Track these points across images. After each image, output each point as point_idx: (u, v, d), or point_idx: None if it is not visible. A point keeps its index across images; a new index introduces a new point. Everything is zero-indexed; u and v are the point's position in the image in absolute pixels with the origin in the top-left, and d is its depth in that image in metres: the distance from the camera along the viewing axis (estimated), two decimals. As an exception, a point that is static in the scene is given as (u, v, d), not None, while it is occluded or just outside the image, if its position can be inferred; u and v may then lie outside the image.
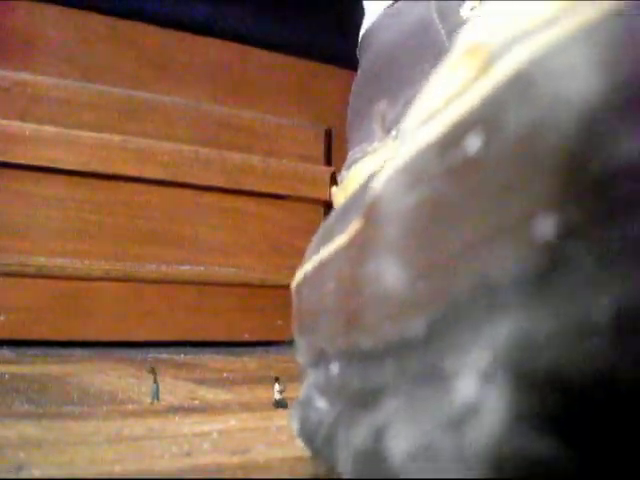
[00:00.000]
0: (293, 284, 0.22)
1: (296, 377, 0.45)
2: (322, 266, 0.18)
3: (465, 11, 0.23)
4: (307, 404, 0.17)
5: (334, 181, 0.89)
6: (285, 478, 0.18)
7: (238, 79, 0.88)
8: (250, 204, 0.85)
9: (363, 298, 0.14)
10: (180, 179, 0.79)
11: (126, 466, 0.18)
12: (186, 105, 0.82)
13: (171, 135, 0.81)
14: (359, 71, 0.28)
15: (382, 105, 0.23)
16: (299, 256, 0.82)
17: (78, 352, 0.64)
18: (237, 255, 0.84)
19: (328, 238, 0.18)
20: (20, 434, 0.23)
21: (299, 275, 0.21)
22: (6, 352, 0.62)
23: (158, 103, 0.81)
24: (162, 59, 0.83)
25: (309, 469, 0.19)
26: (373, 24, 0.27)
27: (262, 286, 0.85)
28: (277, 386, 0.32)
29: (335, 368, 0.16)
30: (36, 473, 0.17)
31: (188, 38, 0.85)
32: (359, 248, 0.14)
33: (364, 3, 0.31)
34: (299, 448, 0.22)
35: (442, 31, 0.23)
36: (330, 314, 0.16)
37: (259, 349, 0.76)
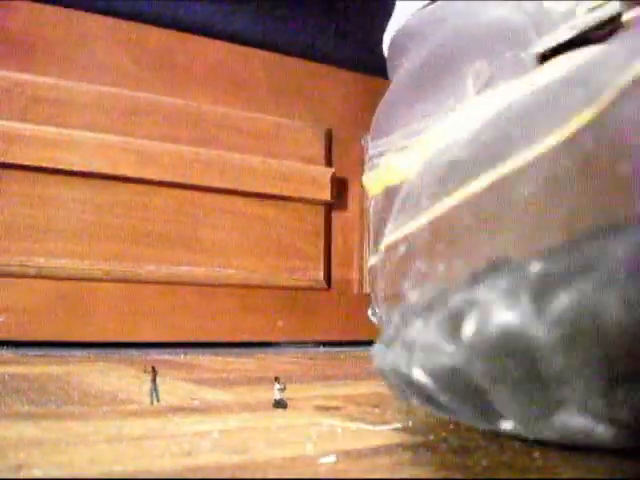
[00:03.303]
0: (424, 220, 0.20)
1: (296, 378, 0.45)
2: (509, 177, 0.17)
3: (550, 3, 0.24)
4: (481, 309, 0.16)
5: (334, 182, 0.89)
6: (285, 478, 0.18)
7: (238, 79, 0.88)
8: (250, 205, 0.85)
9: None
10: (180, 180, 0.80)
11: (126, 466, 0.18)
12: (186, 105, 0.82)
13: (171, 136, 0.81)
14: (420, 55, 0.27)
15: (477, 65, 0.24)
16: (299, 257, 0.82)
17: (78, 352, 0.64)
18: (237, 256, 0.84)
19: (497, 159, 0.17)
20: (20, 434, 0.23)
21: (443, 205, 0.19)
22: (6, 352, 0.62)
23: (158, 103, 0.81)
24: (162, 59, 0.83)
25: (309, 469, 0.19)
26: (430, 12, 0.28)
27: (262, 287, 0.85)
28: (277, 386, 0.32)
29: (534, 267, 0.15)
30: (36, 473, 0.17)
31: (188, 38, 0.85)
32: (596, 135, 0.14)
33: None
34: (299, 448, 0.22)
35: (528, 21, 0.24)
36: (530, 212, 0.15)
37: (259, 350, 0.76)
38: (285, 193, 0.87)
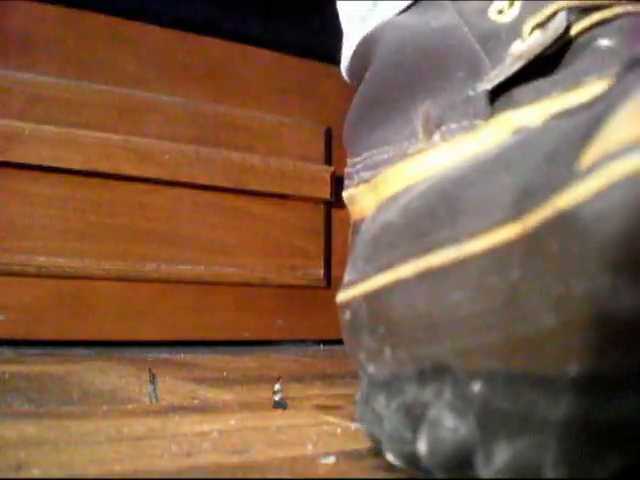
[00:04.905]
0: (360, 290, 0.20)
1: (296, 377, 0.45)
2: (436, 273, 0.17)
3: (493, 14, 0.23)
4: (431, 423, 0.16)
5: (334, 180, 0.89)
6: (285, 478, 0.18)
7: (238, 79, 0.88)
8: (250, 203, 0.85)
9: (542, 317, 0.13)
10: (180, 178, 0.79)
11: (126, 465, 0.18)
12: (186, 104, 0.82)
13: (171, 134, 0.81)
14: (371, 73, 0.27)
15: (426, 106, 0.23)
16: (299, 255, 0.82)
17: (78, 351, 0.64)
18: (237, 254, 0.84)
19: (424, 244, 0.17)
20: (20, 434, 0.23)
21: (375, 282, 0.19)
22: (6, 351, 0.62)
23: (158, 103, 0.81)
24: (162, 59, 0.83)
25: (309, 469, 0.19)
26: (379, 29, 0.27)
27: (262, 285, 0.85)
28: (276, 387, 0.32)
29: (476, 387, 0.15)
30: (36, 472, 0.17)
31: (188, 37, 0.85)
32: (522, 257, 0.14)
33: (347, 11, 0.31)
34: (299, 448, 0.22)
35: (469, 35, 0.23)
36: (464, 327, 0.15)
37: (259, 348, 0.76)
38: (285, 191, 0.87)
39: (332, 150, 0.93)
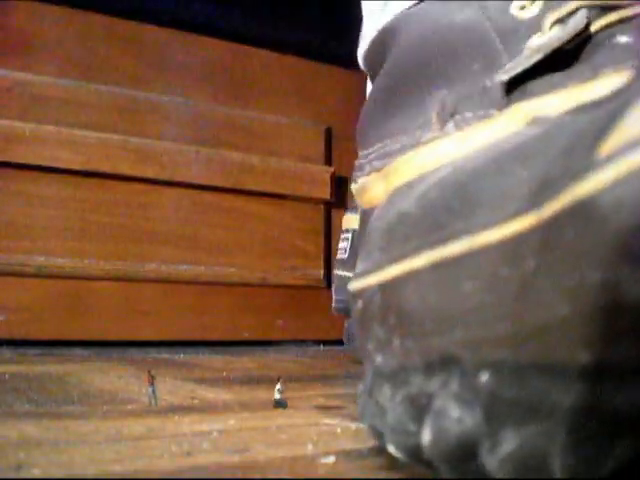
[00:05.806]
0: (374, 280, 0.20)
1: (296, 377, 0.45)
2: (449, 264, 0.17)
3: (515, 10, 0.23)
4: (436, 414, 0.16)
5: (334, 180, 0.89)
6: (285, 478, 0.18)
7: (238, 79, 0.88)
8: (250, 204, 0.85)
9: (551, 308, 0.13)
10: (180, 179, 0.79)
11: (126, 465, 0.18)
12: (186, 105, 0.82)
13: (171, 135, 0.81)
14: (389, 65, 0.27)
15: (441, 95, 0.23)
16: (299, 256, 0.82)
17: (78, 352, 0.64)
18: (237, 255, 0.84)
19: (438, 236, 0.17)
20: (20, 434, 0.23)
21: (389, 272, 0.19)
22: (6, 352, 0.62)
23: (158, 103, 0.81)
24: (162, 59, 0.83)
25: (309, 469, 0.19)
26: (399, 19, 0.27)
27: (262, 285, 0.85)
28: (277, 386, 0.32)
29: (484, 377, 0.15)
30: (36, 472, 0.17)
31: (188, 37, 0.85)
32: (536, 248, 0.14)
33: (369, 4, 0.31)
34: (299, 448, 0.22)
35: (490, 29, 0.23)
36: (474, 318, 0.15)
37: (259, 349, 0.76)
38: (285, 192, 0.87)
39: (332, 150, 0.93)
